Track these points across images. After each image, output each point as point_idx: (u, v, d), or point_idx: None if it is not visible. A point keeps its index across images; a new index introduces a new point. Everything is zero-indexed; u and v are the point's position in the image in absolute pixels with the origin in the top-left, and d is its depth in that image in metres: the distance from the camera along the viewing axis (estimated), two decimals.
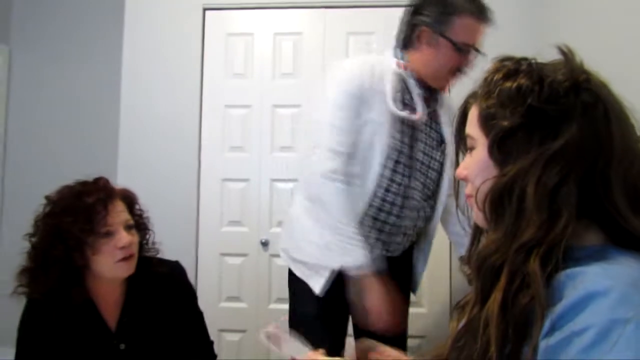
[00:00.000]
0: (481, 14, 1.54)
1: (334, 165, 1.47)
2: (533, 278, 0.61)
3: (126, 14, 2.81)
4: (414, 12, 1.54)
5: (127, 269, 1.27)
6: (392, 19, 2.67)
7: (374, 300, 1.43)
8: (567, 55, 0.72)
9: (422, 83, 1.57)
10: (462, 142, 0.79)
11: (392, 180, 1.55)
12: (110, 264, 1.24)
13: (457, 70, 1.54)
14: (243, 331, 2.68)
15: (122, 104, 2.78)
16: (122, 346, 1.28)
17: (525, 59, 0.73)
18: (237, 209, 2.75)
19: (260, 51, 2.79)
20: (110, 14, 3.01)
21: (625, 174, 0.65)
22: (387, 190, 1.55)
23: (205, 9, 2.80)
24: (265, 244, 2.69)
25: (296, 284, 1.64)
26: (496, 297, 0.63)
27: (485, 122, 0.71)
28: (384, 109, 1.50)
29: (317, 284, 1.55)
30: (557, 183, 0.63)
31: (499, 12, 2.59)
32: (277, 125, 2.76)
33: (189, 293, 1.44)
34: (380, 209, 1.56)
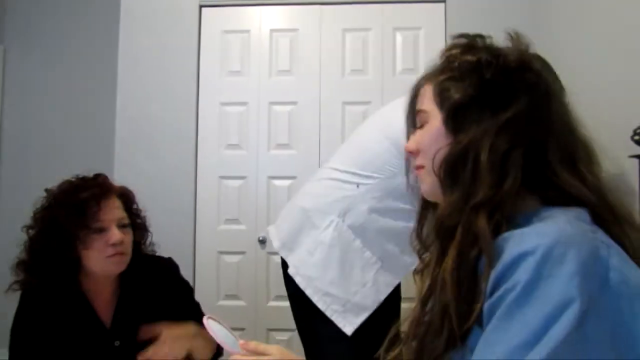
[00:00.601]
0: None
1: None
2: (481, 234, 0.66)
3: (122, 12, 2.80)
4: None
5: (117, 266, 1.27)
6: (388, 14, 2.71)
7: None
8: (514, 39, 0.78)
9: None
10: (413, 121, 0.84)
11: None
12: (101, 260, 1.24)
13: None
14: (242, 329, 2.68)
15: (118, 102, 2.77)
16: (117, 343, 1.28)
17: (480, 35, 0.79)
18: (235, 207, 2.74)
19: (256, 48, 2.78)
20: (105, 12, 3.00)
21: (561, 142, 0.72)
22: None
23: (201, 6, 2.79)
24: (263, 242, 2.68)
25: (315, 318, 1.53)
26: (451, 253, 0.68)
27: (441, 94, 0.75)
28: None
29: (350, 324, 1.49)
30: (507, 149, 0.69)
31: (497, 14, 2.61)
32: (273, 123, 2.75)
33: (184, 288, 1.44)
34: None
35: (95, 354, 1.26)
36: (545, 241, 0.60)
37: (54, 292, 1.24)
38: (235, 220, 2.74)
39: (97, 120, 2.99)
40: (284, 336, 2.62)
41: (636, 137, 1.34)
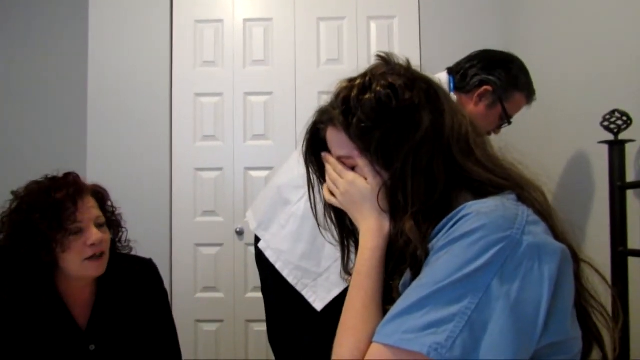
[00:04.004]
0: (532, 98, 1.64)
1: None
2: (409, 231, 0.72)
3: (91, 2, 2.74)
4: (487, 68, 1.58)
5: (96, 269, 1.23)
6: (362, 3, 2.71)
7: None
8: (387, 59, 0.82)
9: None
10: (313, 165, 0.91)
11: None
12: (79, 262, 1.20)
13: (487, 134, 1.60)
14: (220, 321, 2.67)
15: (89, 95, 2.72)
16: (92, 347, 1.25)
17: (364, 73, 0.81)
18: (211, 199, 2.73)
19: (230, 38, 2.75)
20: (74, 3, 2.93)
21: (459, 136, 0.76)
22: None
23: None
24: (240, 233, 2.68)
25: (284, 291, 1.53)
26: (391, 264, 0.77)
27: (361, 137, 0.78)
28: None
29: (320, 300, 1.48)
30: (427, 162, 0.74)
31: (469, 3, 2.63)
32: (249, 113, 2.73)
33: (161, 293, 1.40)
34: None
35: (70, 357, 1.22)
36: (469, 211, 0.67)
37: (27, 293, 1.20)
38: (212, 212, 2.72)
39: (68, 115, 2.93)
40: (262, 327, 2.62)
41: (605, 124, 1.37)
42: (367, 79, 0.80)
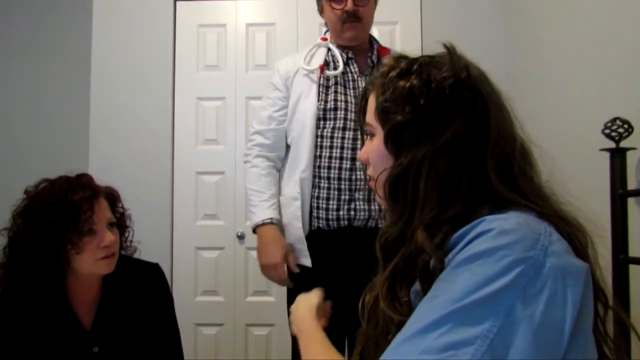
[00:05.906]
0: None
1: (254, 141, 1.78)
2: (422, 242, 0.68)
3: (94, 6, 2.75)
4: None
5: (107, 267, 1.24)
6: None
7: (267, 253, 1.63)
8: (451, 51, 0.78)
9: (343, 47, 1.78)
10: (365, 127, 0.87)
11: (332, 137, 1.66)
12: (91, 262, 1.21)
13: (344, 20, 1.71)
14: (220, 325, 2.67)
15: (92, 98, 2.73)
16: (96, 349, 1.25)
17: (416, 59, 0.79)
18: (212, 202, 2.73)
19: (232, 42, 2.76)
20: (78, 6, 2.94)
21: (499, 156, 0.73)
22: (330, 147, 1.65)
23: (176, 0, 2.76)
24: (241, 237, 2.68)
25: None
26: (387, 269, 0.73)
27: (381, 114, 0.78)
28: (305, 79, 1.73)
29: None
30: (446, 172, 0.71)
31: (472, 9, 2.64)
32: (251, 117, 2.73)
33: (166, 299, 1.40)
34: (329, 166, 1.65)
35: (73, 359, 1.23)
36: (491, 227, 0.64)
37: (35, 293, 1.21)
38: (213, 216, 2.73)
39: (71, 117, 2.94)
40: (262, 331, 2.62)
41: (607, 131, 1.37)
42: (414, 67, 0.77)
